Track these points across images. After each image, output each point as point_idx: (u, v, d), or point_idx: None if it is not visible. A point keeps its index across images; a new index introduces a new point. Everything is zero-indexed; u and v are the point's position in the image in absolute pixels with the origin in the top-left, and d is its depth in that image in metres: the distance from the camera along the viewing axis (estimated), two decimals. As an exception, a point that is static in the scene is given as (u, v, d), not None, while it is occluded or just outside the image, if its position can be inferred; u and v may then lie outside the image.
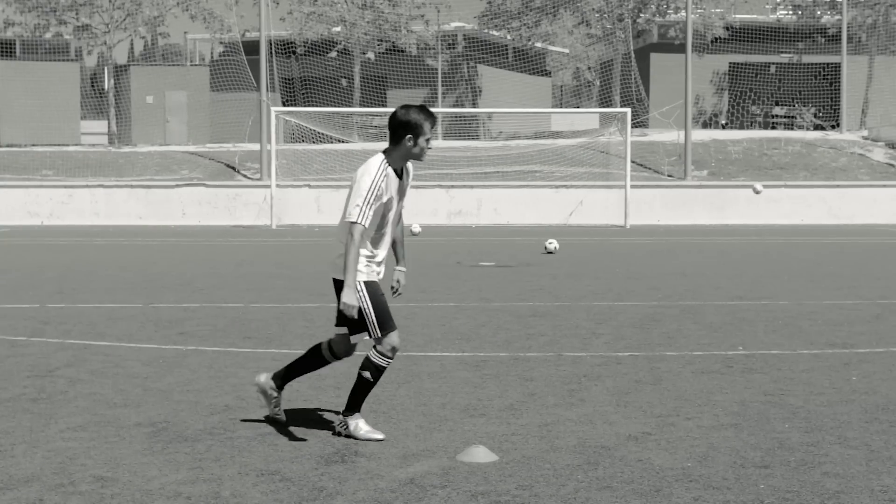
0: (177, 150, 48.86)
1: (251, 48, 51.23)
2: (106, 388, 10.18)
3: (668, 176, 44.83)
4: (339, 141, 48.52)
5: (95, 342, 12.84)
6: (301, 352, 10.47)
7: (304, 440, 8.22)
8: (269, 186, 41.24)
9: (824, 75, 59.72)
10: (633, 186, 41.45)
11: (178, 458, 7.69)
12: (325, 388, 10.18)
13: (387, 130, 8.37)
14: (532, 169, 44.79)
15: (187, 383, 10.39)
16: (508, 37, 62.08)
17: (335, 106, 54.95)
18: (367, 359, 8.22)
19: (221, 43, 56.87)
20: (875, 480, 7.15)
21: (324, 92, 56.54)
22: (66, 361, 11.53)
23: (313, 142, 46.77)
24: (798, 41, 58.55)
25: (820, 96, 59.93)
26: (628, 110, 42.17)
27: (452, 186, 42.39)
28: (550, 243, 26.94)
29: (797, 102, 60.32)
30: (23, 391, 10.00)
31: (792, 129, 56.33)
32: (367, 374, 8.18)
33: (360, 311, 8.06)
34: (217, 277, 20.67)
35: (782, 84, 59.49)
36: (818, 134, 51.17)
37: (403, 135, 8.06)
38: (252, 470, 7.39)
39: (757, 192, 30.88)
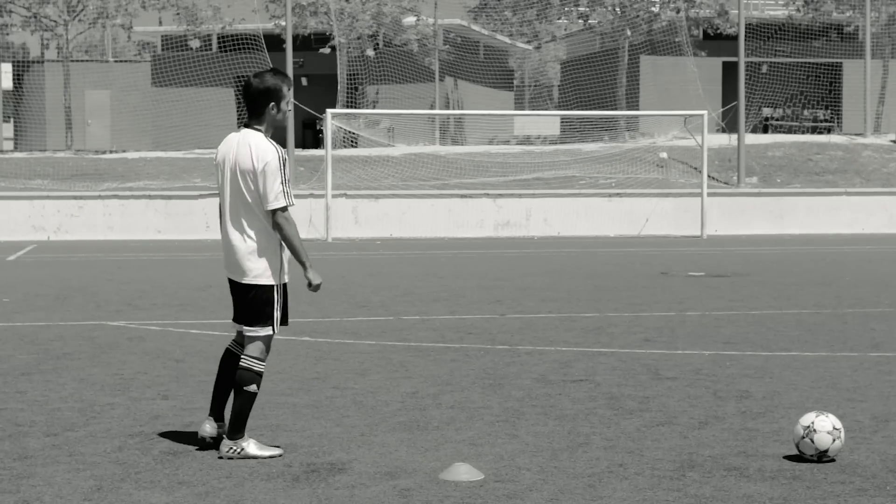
0: (176, 156, 47.87)
1: (273, 43, 50.92)
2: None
3: (726, 183, 44.62)
4: (388, 145, 47.86)
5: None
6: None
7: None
8: (307, 197, 41.12)
9: (826, 76, 59.46)
10: (687, 195, 41.26)
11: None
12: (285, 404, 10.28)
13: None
14: (572, 174, 44.56)
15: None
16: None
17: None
18: (248, 370, 8.04)
19: (196, 37, 55.63)
20: None
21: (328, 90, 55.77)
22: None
23: (344, 147, 46.07)
24: (812, 40, 58.02)
25: (830, 98, 59.75)
26: (705, 112, 41.54)
27: (500, 196, 41.83)
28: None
29: (812, 103, 59.95)
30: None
31: (827, 133, 55.87)
32: (252, 388, 8.00)
33: (263, 305, 8.03)
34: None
35: (810, 86, 58.92)
36: (843, 138, 50.78)
37: (266, 104, 8.01)
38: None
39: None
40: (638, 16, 56.02)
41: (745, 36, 45.81)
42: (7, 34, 54.61)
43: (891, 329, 14.84)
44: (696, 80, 52.10)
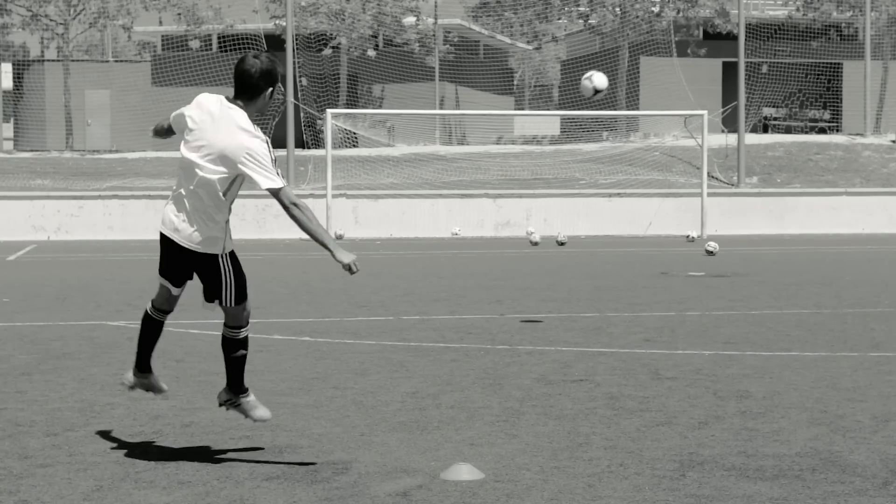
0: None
1: (273, 43, 50.88)
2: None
3: (729, 183, 44.63)
4: (387, 145, 47.94)
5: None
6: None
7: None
8: (307, 197, 41.13)
9: (826, 75, 59.43)
10: (687, 195, 41.29)
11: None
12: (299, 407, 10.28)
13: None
14: (574, 176, 44.61)
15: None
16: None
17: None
18: (232, 339, 8.11)
19: (196, 37, 55.61)
20: None
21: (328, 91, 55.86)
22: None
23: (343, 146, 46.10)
24: (812, 40, 57.98)
25: (830, 98, 59.70)
26: (705, 112, 41.57)
27: (499, 196, 41.91)
28: (713, 246, 30.04)
29: (810, 104, 59.93)
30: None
31: (827, 132, 55.93)
32: (242, 352, 8.09)
33: (219, 279, 8.14)
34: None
35: (808, 85, 58.90)
36: (843, 138, 50.77)
37: (266, 87, 7.84)
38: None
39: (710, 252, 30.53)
40: (638, 16, 56.01)
41: (745, 36, 45.85)
42: (7, 34, 54.60)
43: (891, 329, 14.83)
44: (682, 83, 52.14)
